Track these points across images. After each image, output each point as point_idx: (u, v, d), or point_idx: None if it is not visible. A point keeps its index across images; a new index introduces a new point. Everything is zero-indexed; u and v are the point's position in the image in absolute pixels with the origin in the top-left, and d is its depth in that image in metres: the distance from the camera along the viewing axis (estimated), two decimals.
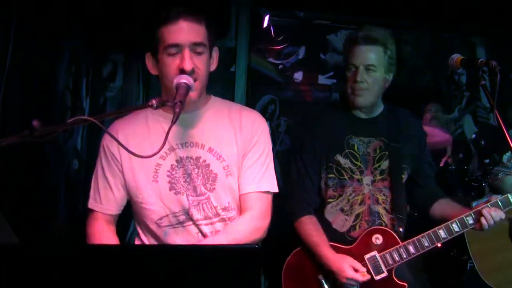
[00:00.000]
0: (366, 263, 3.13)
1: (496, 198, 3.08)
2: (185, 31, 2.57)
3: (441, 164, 5.95)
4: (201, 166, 2.71)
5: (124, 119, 2.82)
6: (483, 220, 3.03)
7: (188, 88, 2.45)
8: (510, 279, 3.73)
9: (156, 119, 2.73)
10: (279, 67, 6.91)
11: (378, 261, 3.13)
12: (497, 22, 6.78)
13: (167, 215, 2.73)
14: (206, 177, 2.71)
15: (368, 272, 3.11)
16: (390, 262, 3.13)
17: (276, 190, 2.83)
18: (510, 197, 3.09)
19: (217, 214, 2.74)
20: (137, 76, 5.94)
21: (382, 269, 3.13)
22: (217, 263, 1.76)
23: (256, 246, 1.82)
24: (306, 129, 3.34)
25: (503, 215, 3.05)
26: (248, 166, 2.77)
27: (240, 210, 2.80)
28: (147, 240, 2.82)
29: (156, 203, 2.72)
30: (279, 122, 6.88)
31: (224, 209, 2.75)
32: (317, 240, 3.15)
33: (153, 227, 2.76)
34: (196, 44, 2.58)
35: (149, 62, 2.69)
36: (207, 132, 2.72)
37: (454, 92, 7.24)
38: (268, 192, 2.81)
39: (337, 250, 3.15)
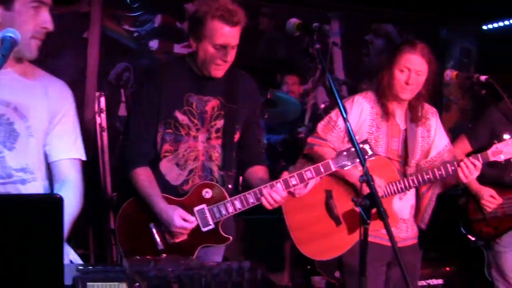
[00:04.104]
0: (195, 215, 3.39)
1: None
2: None
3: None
4: (3, 124, 2.70)
5: None
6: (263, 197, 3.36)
7: (14, 42, 2.34)
8: (325, 248, 3.89)
9: None
10: (135, 35, 6.88)
11: (206, 213, 3.40)
12: None
13: None
14: (7, 135, 2.71)
15: (196, 224, 3.38)
16: (217, 215, 3.41)
17: (85, 158, 2.97)
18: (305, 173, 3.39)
19: (10, 175, 2.74)
20: None
21: (209, 222, 3.40)
22: (18, 212, 1.77)
23: (58, 195, 1.85)
24: (146, 83, 3.51)
25: (284, 194, 3.37)
26: (60, 133, 2.86)
27: (53, 177, 2.89)
28: None
29: None
30: (133, 90, 6.81)
31: (21, 170, 2.76)
32: (151, 191, 3.38)
33: None
34: None
35: None
36: (14, 91, 2.72)
37: (308, 64, 7.45)
38: (80, 160, 2.95)
39: (169, 201, 3.40)
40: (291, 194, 3.76)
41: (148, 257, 2.32)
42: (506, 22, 8.21)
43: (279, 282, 5.61)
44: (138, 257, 2.32)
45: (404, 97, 3.84)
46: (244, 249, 5.57)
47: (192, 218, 3.34)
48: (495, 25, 8.35)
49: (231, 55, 3.38)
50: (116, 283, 2.16)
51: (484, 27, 8.49)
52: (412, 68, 3.76)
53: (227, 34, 3.31)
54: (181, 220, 3.30)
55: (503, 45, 8.10)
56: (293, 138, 6.02)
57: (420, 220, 4.03)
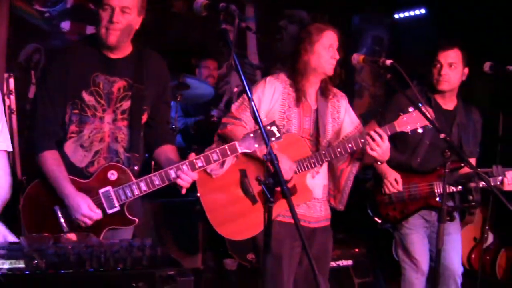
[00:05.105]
0: (100, 197, 3.35)
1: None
2: None
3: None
4: None
5: None
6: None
7: None
8: (242, 228, 3.92)
9: None
10: (46, 15, 6.70)
11: (111, 195, 3.36)
12: None
13: None
14: None
15: (102, 206, 3.34)
16: (123, 197, 3.36)
17: (11, 149, 2.98)
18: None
19: None
20: None
21: (115, 204, 3.36)
22: None
23: None
24: (54, 63, 3.46)
25: (193, 174, 3.33)
26: None
27: None
28: None
29: None
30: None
31: None
32: (58, 174, 3.32)
33: None
34: None
35: None
36: None
37: (222, 49, 7.45)
38: (5, 151, 2.94)
39: (74, 183, 3.35)
40: (208, 175, 3.76)
41: (47, 234, 2.29)
42: (417, 11, 8.43)
43: (192, 265, 5.62)
44: (35, 235, 2.29)
45: (331, 72, 3.96)
46: (157, 232, 5.55)
47: (98, 210, 3.31)
48: (406, 14, 8.57)
49: (118, 18, 3.31)
50: (13, 261, 2.13)
51: (396, 16, 8.70)
52: (334, 44, 3.93)
53: None
54: (88, 209, 3.27)
55: (414, 34, 8.33)
56: (206, 122, 6.03)
57: (338, 201, 4.11)
